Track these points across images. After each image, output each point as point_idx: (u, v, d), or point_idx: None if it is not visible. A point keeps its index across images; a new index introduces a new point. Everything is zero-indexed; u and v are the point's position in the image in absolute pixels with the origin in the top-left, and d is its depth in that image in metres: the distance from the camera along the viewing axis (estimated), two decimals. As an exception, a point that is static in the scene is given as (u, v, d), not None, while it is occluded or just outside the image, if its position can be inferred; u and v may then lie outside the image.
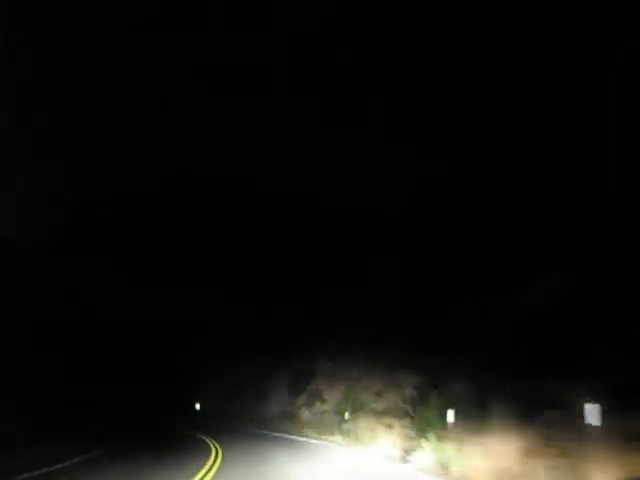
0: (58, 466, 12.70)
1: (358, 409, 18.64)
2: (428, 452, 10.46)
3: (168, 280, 38.81)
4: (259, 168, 29.37)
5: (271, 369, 27.91)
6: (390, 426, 15.44)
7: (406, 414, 15.34)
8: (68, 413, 27.68)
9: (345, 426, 18.66)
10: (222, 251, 36.35)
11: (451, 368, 13.46)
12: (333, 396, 21.70)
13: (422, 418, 13.25)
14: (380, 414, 16.94)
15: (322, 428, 20.64)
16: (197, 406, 37.19)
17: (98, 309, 36.58)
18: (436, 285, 16.88)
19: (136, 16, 26.84)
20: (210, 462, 12.46)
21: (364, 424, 17.12)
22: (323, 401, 22.46)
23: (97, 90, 33.75)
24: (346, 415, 19.28)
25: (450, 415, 11.62)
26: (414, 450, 11.45)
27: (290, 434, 21.72)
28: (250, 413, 29.63)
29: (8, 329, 24.91)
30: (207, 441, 19.26)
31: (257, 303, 31.00)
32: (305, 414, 23.46)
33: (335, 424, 19.72)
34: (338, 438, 18.68)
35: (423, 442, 10.90)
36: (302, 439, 19.71)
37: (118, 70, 31.54)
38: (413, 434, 13.24)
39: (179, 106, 31.70)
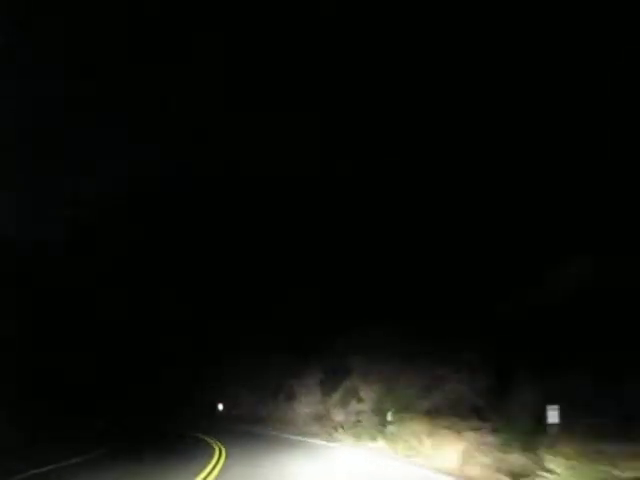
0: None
1: (403, 408, 16.04)
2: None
3: (182, 278, 37.43)
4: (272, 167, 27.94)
5: (300, 367, 25.30)
6: (452, 429, 11.83)
7: (475, 413, 12.16)
8: (73, 414, 27.43)
9: (390, 429, 15.43)
10: (239, 246, 33.90)
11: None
12: (371, 394, 19.40)
13: (510, 419, 9.87)
14: (434, 413, 14.06)
15: (360, 431, 17.70)
16: (219, 407, 34.65)
17: (109, 308, 35.36)
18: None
19: (136, 15, 26.71)
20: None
21: (416, 427, 13.64)
22: (359, 400, 20.03)
23: (97, 90, 33.79)
24: (389, 416, 16.39)
25: (553, 414, 8.47)
26: (528, 473, 7.09)
27: (322, 439, 18.80)
28: (277, 414, 26.97)
29: (8, 330, 24.31)
30: (215, 447, 16.66)
31: (283, 300, 28.41)
32: (339, 415, 20.88)
33: (375, 426, 16.88)
34: (381, 444, 15.31)
35: (552, 461, 6.56)
36: (337, 445, 16.49)
37: (118, 71, 31.49)
38: (495, 440, 9.52)
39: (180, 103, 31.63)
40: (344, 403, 21.31)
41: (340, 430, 19.16)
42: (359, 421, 18.88)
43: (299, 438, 19.38)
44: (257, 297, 30.77)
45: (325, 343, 23.40)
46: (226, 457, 13.38)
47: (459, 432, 11.18)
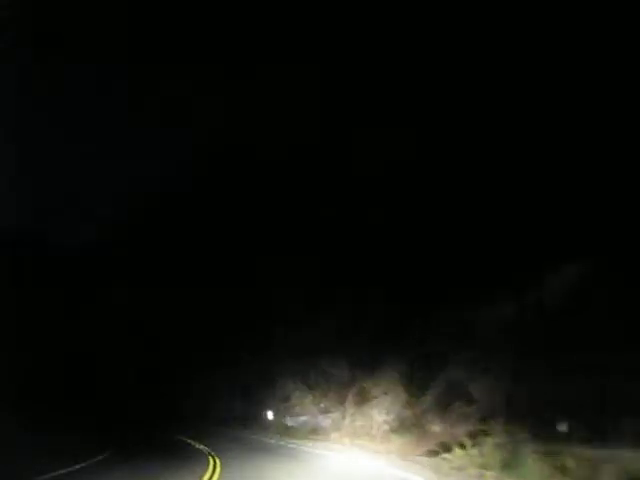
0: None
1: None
2: None
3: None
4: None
5: (375, 356, 18.61)
6: None
7: None
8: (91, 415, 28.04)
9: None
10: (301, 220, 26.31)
11: None
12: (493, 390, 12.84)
13: None
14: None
15: (508, 456, 9.77)
16: (269, 415, 27.71)
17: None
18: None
19: (135, 13, 25.64)
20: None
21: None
22: (469, 401, 13.33)
23: (97, 87, 34.27)
24: (563, 426, 9.65)
25: None
26: None
27: (431, 471, 10.93)
28: (344, 424, 19.50)
29: (8, 331, 23.34)
30: None
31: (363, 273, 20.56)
32: (436, 424, 14.14)
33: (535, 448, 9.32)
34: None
35: None
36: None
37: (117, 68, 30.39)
38: None
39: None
40: (444, 406, 14.28)
41: (457, 451, 11.26)
42: (485, 433, 11.17)
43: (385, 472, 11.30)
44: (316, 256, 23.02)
45: (409, 324, 16.58)
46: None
47: None
